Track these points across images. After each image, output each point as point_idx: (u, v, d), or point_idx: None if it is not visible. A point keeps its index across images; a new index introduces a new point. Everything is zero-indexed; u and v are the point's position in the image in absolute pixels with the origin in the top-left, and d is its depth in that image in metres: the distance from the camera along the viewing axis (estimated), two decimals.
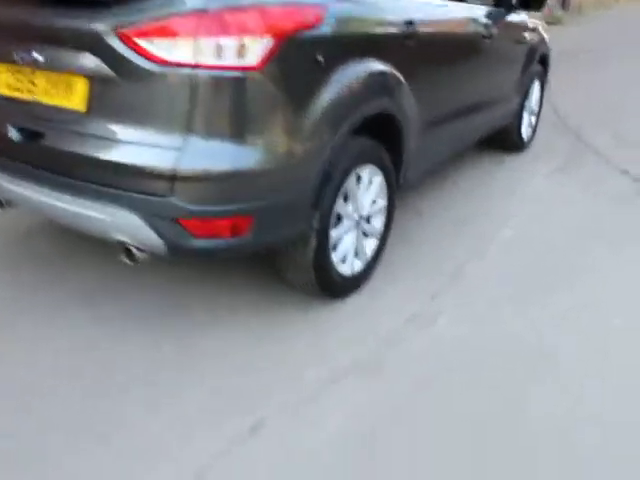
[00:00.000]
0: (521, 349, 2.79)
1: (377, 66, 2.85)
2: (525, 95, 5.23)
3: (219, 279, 3.11)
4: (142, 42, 2.19)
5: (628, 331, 2.96)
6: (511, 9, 4.55)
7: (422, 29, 3.15)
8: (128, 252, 2.43)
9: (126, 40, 2.20)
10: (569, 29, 12.94)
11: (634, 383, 2.63)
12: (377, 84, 2.86)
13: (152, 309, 2.86)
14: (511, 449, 2.25)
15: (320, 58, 2.44)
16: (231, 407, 2.35)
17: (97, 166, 2.34)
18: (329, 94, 2.50)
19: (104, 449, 2.15)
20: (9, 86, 2.52)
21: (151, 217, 2.28)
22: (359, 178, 2.87)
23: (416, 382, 2.54)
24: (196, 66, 2.18)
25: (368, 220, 3.04)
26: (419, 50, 3.18)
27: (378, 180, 3.00)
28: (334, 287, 2.89)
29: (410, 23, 3.03)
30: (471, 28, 3.91)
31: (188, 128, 2.23)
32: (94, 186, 2.36)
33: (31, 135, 2.46)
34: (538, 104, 5.68)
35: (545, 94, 5.90)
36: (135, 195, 2.28)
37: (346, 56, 2.62)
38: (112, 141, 2.32)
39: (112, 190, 2.32)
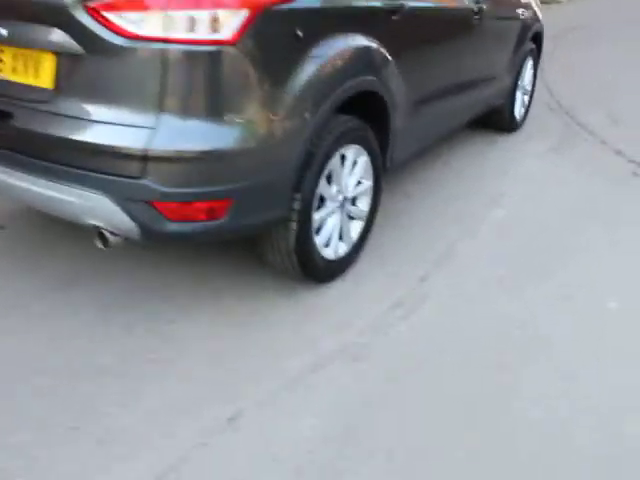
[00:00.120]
0: (514, 330, 2.73)
1: (361, 41, 2.75)
2: (518, 74, 5.12)
3: (201, 264, 3.01)
4: (111, 16, 2.10)
5: (623, 311, 2.91)
6: None
7: (409, 3, 3.03)
8: (101, 236, 2.33)
9: (94, 14, 2.11)
10: (564, 7, 12.77)
11: (629, 364, 2.58)
12: (361, 60, 2.76)
13: (132, 295, 2.76)
14: (503, 430, 2.20)
15: (299, 32, 2.34)
16: (210, 396, 2.27)
17: (67, 147, 2.24)
18: (310, 70, 2.41)
19: (76, 442, 2.06)
20: None
21: (123, 200, 2.19)
22: (343, 159, 2.77)
23: (404, 366, 2.48)
24: (167, 40, 2.09)
25: (353, 202, 2.95)
26: (406, 25, 3.08)
27: (363, 160, 2.90)
28: (317, 271, 2.80)
29: None
30: (461, 3, 3.79)
31: (160, 106, 2.13)
32: (65, 168, 2.26)
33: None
34: (531, 83, 5.57)
35: (538, 73, 5.79)
36: (107, 177, 2.19)
37: (328, 30, 2.52)
38: (82, 120, 2.22)
39: (83, 172, 2.23)
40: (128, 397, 2.24)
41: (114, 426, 2.12)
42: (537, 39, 5.44)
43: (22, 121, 2.33)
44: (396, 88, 3.03)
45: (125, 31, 2.10)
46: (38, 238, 3.16)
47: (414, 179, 4.16)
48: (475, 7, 3.88)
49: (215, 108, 2.19)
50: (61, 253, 3.02)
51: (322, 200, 2.71)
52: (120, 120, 2.16)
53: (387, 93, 2.95)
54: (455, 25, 3.82)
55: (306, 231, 2.60)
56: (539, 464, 2.09)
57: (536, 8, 5.34)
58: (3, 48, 2.32)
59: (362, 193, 2.98)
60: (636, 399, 2.40)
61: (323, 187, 2.66)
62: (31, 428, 2.09)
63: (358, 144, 2.83)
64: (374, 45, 2.83)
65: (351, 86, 2.66)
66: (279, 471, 2.01)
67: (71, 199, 2.27)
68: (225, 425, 2.13)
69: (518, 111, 5.34)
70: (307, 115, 2.43)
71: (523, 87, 5.35)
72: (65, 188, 2.26)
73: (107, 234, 2.31)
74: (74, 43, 2.15)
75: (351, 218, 2.96)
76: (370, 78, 2.81)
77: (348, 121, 2.74)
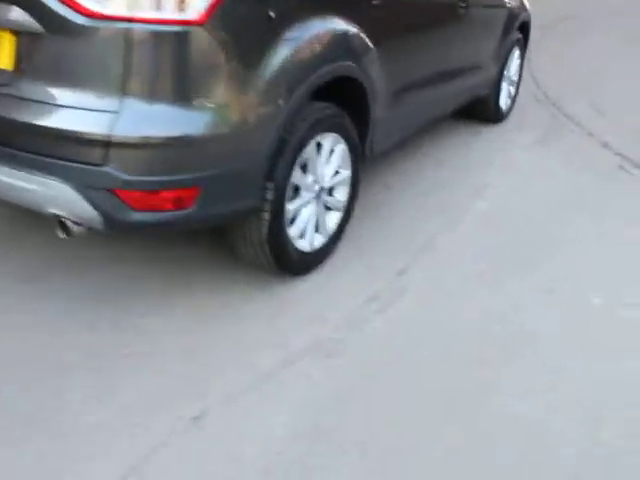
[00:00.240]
0: (495, 324, 2.67)
1: (339, 25, 2.66)
2: (504, 64, 5.04)
3: (173, 256, 2.91)
4: None
5: (609, 305, 2.86)
6: None
7: None
8: (63, 226, 2.23)
9: None
10: None
11: (615, 357, 2.54)
12: (339, 45, 2.67)
13: (101, 288, 2.66)
14: (484, 426, 2.15)
15: (272, 13, 2.25)
16: (176, 394, 2.17)
17: (28, 132, 2.14)
18: (283, 53, 2.32)
19: (39, 440, 1.97)
20: None
21: (85, 188, 2.09)
22: (319, 147, 2.68)
23: (380, 361, 2.41)
24: (132, 20, 2.00)
25: (330, 192, 2.85)
26: (388, 10, 3.00)
27: (341, 149, 2.81)
28: (292, 264, 2.70)
29: None
30: None
31: (124, 90, 2.04)
32: (25, 154, 2.16)
33: None
34: (517, 74, 5.50)
35: (525, 63, 5.72)
36: (68, 164, 2.09)
37: (303, 12, 2.43)
38: (43, 104, 2.12)
39: (44, 158, 2.13)
40: (91, 395, 2.15)
41: (73, 426, 2.02)
42: (524, 29, 5.36)
43: None
44: (376, 75, 2.94)
45: (87, 9, 2.00)
46: (6, 230, 3.04)
47: (394, 170, 4.06)
48: None
49: (182, 92, 2.09)
50: (30, 244, 2.90)
51: (297, 190, 2.62)
52: (82, 104, 2.06)
53: (367, 80, 2.86)
54: (440, 12, 3.73)
55: (279, 222, 2.51)
56: (523, 461, 2.03)
57: None
58: None
59: (340, 183, 2.88)
60: (622, 393, 2.35)
61: (298, 176, 2.56)
62: None
63: (335, 132, 2.73)
64: (353, 30, 2.73)
65: (327, 71, 2.57)
66: (245, 471, 1.92)
67: (32, 187, 2.17)
68: (189, 425, 2.04)
69: (504, 102, 5.26)
70: (280, 100, 2.33)
71: (509, 77, 5.27)
72: (26, 175, 2.16)
73: (69, 223, 2.21)
74: (34, 22, 2.05)
75: (328, 209, 2.86)
76: (348, 64, 2.71)
77: (325, 108, 2.64)
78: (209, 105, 2.14)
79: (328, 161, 2.76)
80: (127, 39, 2.00)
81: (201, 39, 2.07)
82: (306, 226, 2.72)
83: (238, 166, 2.28)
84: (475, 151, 4.67)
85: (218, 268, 2.83)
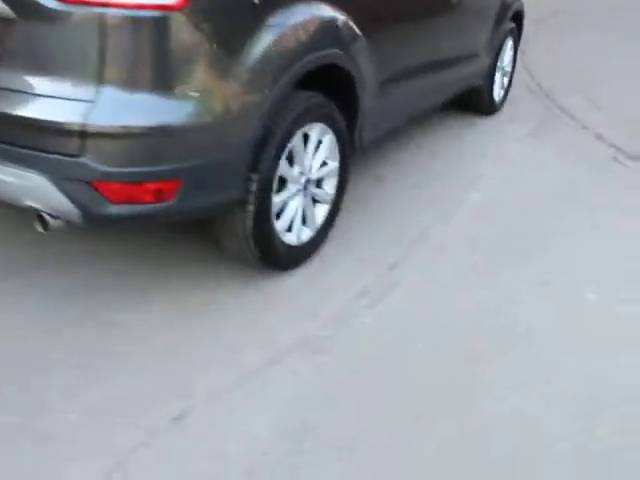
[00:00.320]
0: (489, 317, 2.62)
1: (326, 12, 2.59)
2: (497, 54, 4.95)
3: (157, 251, 2.83)
4: None
5: (603, 301, 2.80)
6: None
7: None
8: (41, 219, 2.16)
9: None
10: None
11: (609, 352, 2.49)
12: (326, 32, 2.60)
13: (80, 283, 2.58)
14: (477, 421, 2.10)
15: None
16: (158, 393, 2.11)
17: (1, 122, 2.07)
18: (267, 40, 2.25)
19: (17, 439, 1.90)
20: None
21: (61, 180, 2.02)
22: (306, 138, 2.60)
23: (370, 356, 2.35)
24: (107, 4, 1.92)
25: (318, 184, 2.78)
26: None
27: (328, 140, 2.73)
28: (278, 258, 2.63)
29: None
30: None
31: (100, 78, 1.97)
32: (1, 145, 2.08)
33: None
34: (511, 64, 5.41)
35: (519, 56, 5.65)
36: (43, 155, 2.02)
37: None
38: (16, 93, 2.05)
39: (19, 149, 2.06)
40: (70, 394, 2.08)
41: (52, 426, 1.96)
42: (517, 18, 5.28)
43: None
44: (365, 64, 2.87)
45: None
46: None
47: (386, 162, 3.98)
48: None
49: (161, 80, 2.02)
50: (15, 242, 2.83)
51: (283, 182, 2.54)
52: (57, 93, 2.00)
53: (355, 69, 2.78)
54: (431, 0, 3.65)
55: (264, 214, 2.44)
56: (516, 456, 1.98)
57: None
58: None
59: (328, 175, 2.81)
60: (616, 389, 2.31)
61: (284, 168, 2.49)
62: None
63: (322, 122, 2.66)
64: (341, 16, 2.66)
65: (313, 59, 2.50)
66: (229, 470, 1.86)
67: (8, 179, 2.10)
68: (170, 425, 1.97)
69: (497, 93, 5.18)
70: (264, 89, 2.26)
71: (502, 68, 5.19)
72: (1, 167, 2.08)
73: (47, 217, 2.14)
74: (4, 6, 1.97)
75: (316, 201, 2.79)
76: (335, 52, 2.64)
77: (311, 97, 2.57)
78: (189, 93, 2.07)
79: (315, 152, 2.69)
80: (102, 24, 1.93)
81: (180, 25, 2.00)
82: (293, 219, 2.64)
83: (221, 157, 2.21)
84: (468, 143, 4.60)
85: (203, 263, 2.76)
